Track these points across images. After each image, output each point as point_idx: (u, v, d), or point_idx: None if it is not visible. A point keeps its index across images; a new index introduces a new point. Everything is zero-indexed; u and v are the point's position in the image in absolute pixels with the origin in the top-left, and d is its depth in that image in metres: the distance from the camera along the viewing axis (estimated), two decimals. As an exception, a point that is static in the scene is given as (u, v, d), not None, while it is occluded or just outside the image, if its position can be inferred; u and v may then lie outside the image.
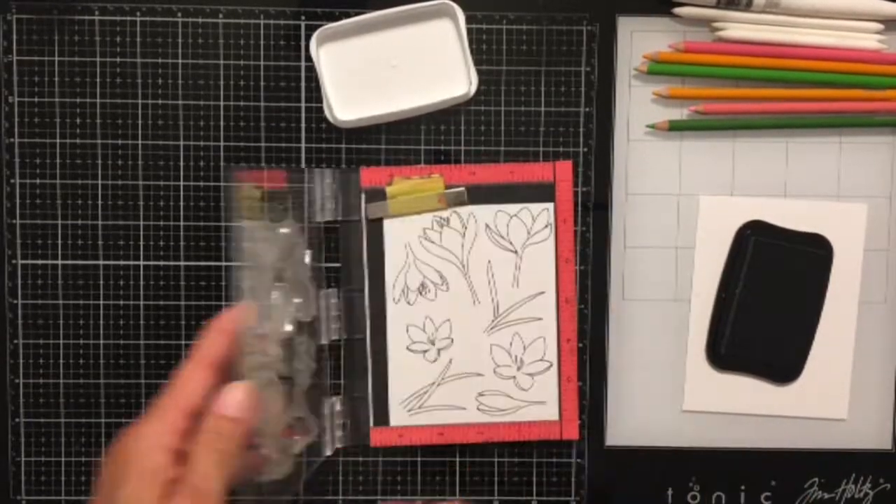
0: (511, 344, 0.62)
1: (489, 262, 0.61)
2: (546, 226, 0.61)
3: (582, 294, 0.63)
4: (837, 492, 0.64)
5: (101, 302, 0.62)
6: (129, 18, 0.61)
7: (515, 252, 0.61)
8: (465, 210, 0.61)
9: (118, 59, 0.61)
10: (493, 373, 0.62)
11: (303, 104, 0.61)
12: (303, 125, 0.62)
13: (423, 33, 0.61)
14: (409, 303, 0.61)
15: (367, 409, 0.62)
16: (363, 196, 0.61)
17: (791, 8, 0.60)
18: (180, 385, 0.49)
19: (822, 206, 0.63)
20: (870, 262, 0.63)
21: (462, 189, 0.61)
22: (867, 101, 0.62)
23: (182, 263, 0.62)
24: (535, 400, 0.62)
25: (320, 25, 0.61)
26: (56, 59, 0.61)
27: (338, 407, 0.62)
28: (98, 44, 0.61)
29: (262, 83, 0.61)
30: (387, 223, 0.61)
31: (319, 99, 0.61)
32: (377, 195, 0.61)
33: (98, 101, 0.61)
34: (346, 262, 0.62)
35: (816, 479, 0.64)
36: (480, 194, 0.61)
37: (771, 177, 0.63)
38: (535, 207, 0.61)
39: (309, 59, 0.61)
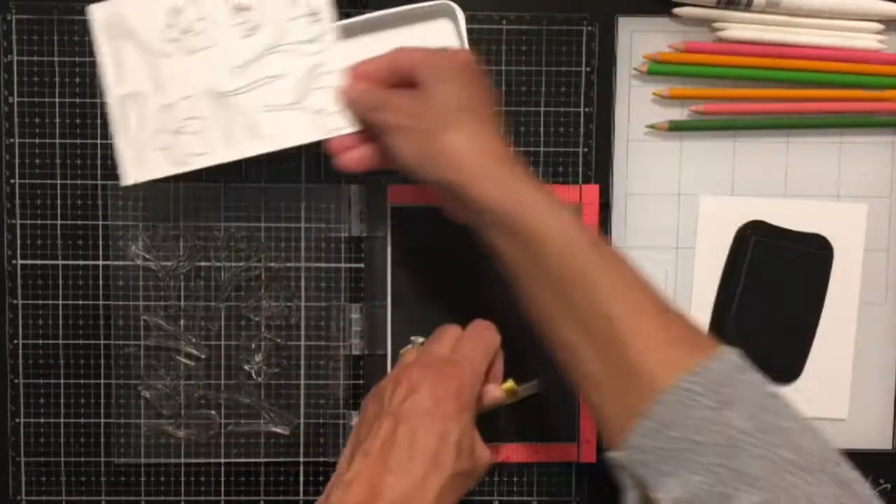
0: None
1: None
2: None
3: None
4: (837, 492, 0.64)
5: (101, 302, 0.62)
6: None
7: None
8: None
9: (118, 59, 0.61)
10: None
11: (303, 104, 0.61)
12: (303, 125, 0.61)
13: (423, 34, 0.61)
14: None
15: None
16: (389, 213, 0.61)
17: (791, 8, 0.60)
18: (478, 357, 0.53)
19: (823, 207, 0.63)
20: (870, 262, 0.63)
21: (534, 383, 0.61)
22: (867, 101, 0.62)
23: (182, 263, 0.62)
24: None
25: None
26: (56, 59, 0.61)
27: (355, 419, 0.62)
28: (98, 44, 0.61)
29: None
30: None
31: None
32: (403, 213, 0.61)
33: (98, 100, 0.61)
34: (370, 277, 0.62)
35: (816, 479, 0.64)
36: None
37: (771, 177, 0.63)
38: None
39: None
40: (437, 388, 0.49)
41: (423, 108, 0.50)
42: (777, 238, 0.62)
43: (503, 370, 0.56)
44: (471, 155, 0.49)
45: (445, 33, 0.61)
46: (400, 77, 0.52)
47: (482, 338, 0.54)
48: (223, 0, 0.56)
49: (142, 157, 0.56)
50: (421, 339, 0.56)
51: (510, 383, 0.56)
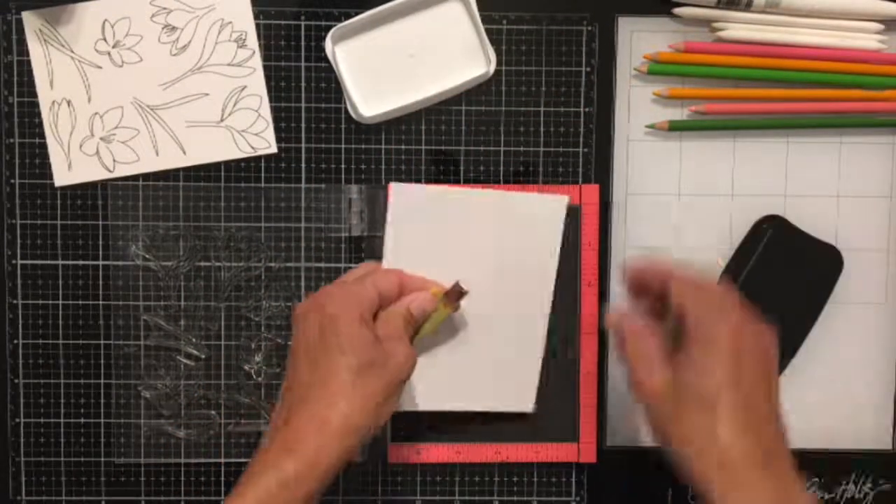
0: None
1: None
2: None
3: (582, 294, 0.63)
4: (837, 492, 0.64)
5: (101, 302, 0.62)
6: (129, 18, 0.61)
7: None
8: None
9: (118, 59, 0.61)
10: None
11: (302, 104, 0.61)
12: (302, 125, 0.62)
13: (435, 19, 0.61)
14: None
15: (387, 425, 0.62)
16: (389, 212, 0.61)
17: (791, 8, 0.60)
18: (379, 275, 0.55)
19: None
20: (870, 262, 0.63)
21: (456, 282, 0.57)
22: (867, 101, 0.62)
23: (182, 263, 0.62)
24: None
25: (320, 25, 0.61)
26: (56, 59, 0.61)
27: None
28: (98, 44, 0.61)
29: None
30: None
31: (320, 99, 0.61)
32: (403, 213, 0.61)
33: (98, 101, 0.61)
34: None
35: (816, 479, 0.64)
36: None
37: (771, 177, 0.63)
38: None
39: (309, 59, 0.61)
40: (328, 309, 0.51)
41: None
42: (793, 238, 0.62)
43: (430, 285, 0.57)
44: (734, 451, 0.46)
45: (457, 15, 0.61)
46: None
47: (370, 271, 0.56)
48: (154, 19, 0.59)
49: (72, 161, 0.60)
50: None
51: (434, 288, 0.56)
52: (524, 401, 0.62)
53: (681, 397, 0.48)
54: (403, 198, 0.59)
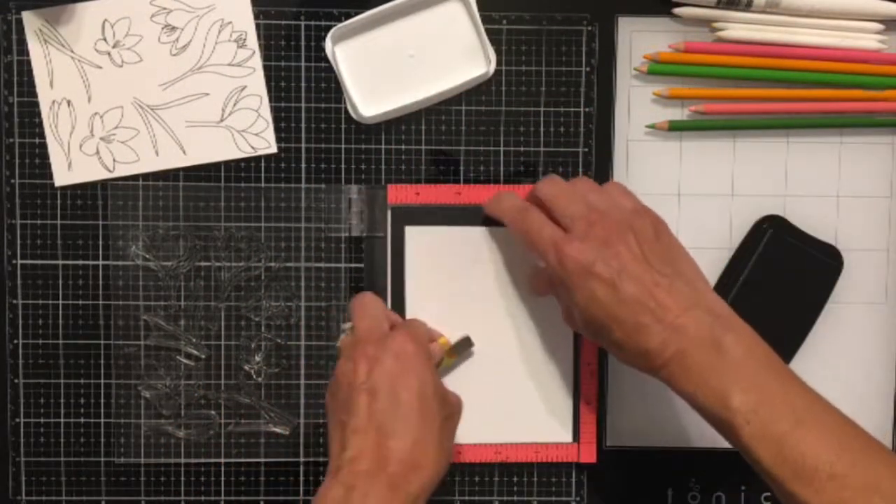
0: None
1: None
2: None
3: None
4: (837, 492, 0.64)
5: (101, 302, 0.62)
6: (129, 18, 0.61)
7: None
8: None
9: (118, 59, 0.61)
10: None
11: (303, 104, 0.61)
12: (302, 125, 0.62)
13: (435, 19, 0.61)
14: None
15: None
16: (389, 213, 0.61)
17: (791, 8, 0.60)
18: (413, 326, 0.57)
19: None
20: (870, 262, 0.63)
21: (466, 336, 0.61)
22: (867, 101, 0.62)
23: (182, 263, 0.62)
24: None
25: (320, 25, 0.61)
26: (56, 59, 0.61)
27: None
28: (98, 44, 0.61)
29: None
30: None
31: (320, 99, 0.61)
32: (403, 212, 0.61)
33: (98, 101, 0.61)
34: (370, 276, 0.62)
35: (816, 479, 0.64)
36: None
37: (771, 177, 0.63)
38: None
39: (309, 59, 0.61)
40: (396, 350, 0.51)
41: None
42: (793, 238, 0.62)
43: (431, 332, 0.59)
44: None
45: (457, 15, 0.61)
46: None
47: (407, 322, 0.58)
48: (154, 18, 0.59)
49: (72, 161, 0.60)
50: (349, 324, 0.57)
51: (443, 339, 0.59)
52: (564, 429, 0.62)
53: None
54: (419, 239, 0.61)
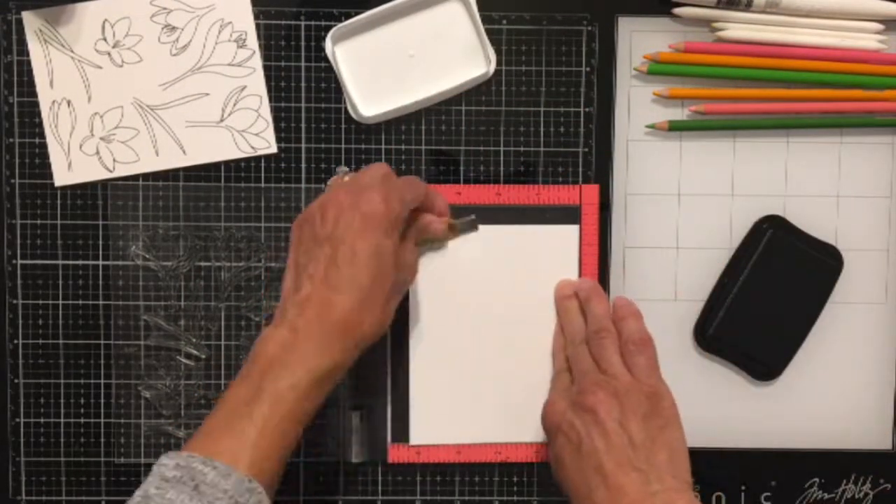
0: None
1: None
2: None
3: (582, 294, 0.63)
4: (837, 492, 0.64)
5: (101, 302, 0.62)
6: (129, 18, 0.61)
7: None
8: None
9: (118, 59, 0.61)
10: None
11: (303, 104, 0.61)
12: (302, 125, 0.62)
13: (435, 19, 0.61)
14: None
15: (386, 425, 0.62)
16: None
17: (791, 8, 0.60)
18: (410, 187, 0.57)
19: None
20: (870, 262, 0.63)
21: (472, 217, 0.61)
22: (867, 101, 0.62)
23: (182, 263, 0.62)
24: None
25: (320, 25, 0.61)
26: (56, 59, 0.61)
27: (356, 422, 0.62)
28: (98, 44, 0.61)
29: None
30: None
31: (320, 99, 0.61)
32: None
33: (98, 101, 0.61)
34: None
35: (816, 479, 0.64)
36: (505, 215, 0.61)
37: (771, 177, 0.63)
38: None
39: (309, 59, 0.61)
40: (364, 208, 0.52)
41: None
42: (793, 238, 0.62)
43: (447, 209, 0.60)
44: None
45: (457, 15, 0.61)
46: None
47: (409, 179, 0.57)
48: (154, 18, 0.59)
49: (72, 161, 0.60)
50: (346, 169, 0.57)
51: (450, 220, 0.60)
52: None
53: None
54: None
